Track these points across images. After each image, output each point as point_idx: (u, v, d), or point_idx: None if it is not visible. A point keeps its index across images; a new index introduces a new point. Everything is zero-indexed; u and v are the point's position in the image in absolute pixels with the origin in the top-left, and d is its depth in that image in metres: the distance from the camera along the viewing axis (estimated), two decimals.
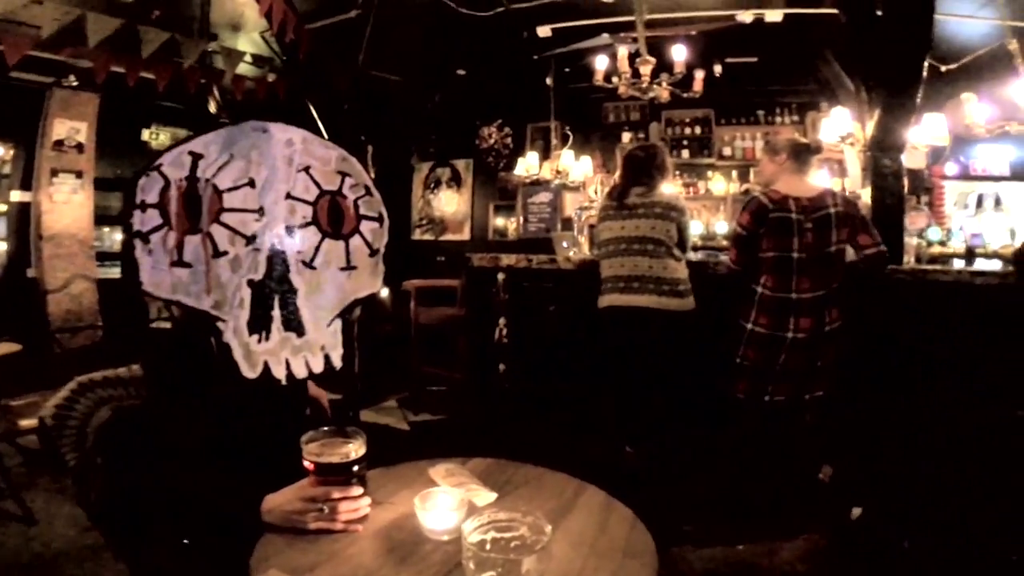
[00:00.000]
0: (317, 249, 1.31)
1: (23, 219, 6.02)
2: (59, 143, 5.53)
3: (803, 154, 2.65)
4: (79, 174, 5.81)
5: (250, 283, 1.23)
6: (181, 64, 4.12)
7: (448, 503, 1.02)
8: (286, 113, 5.44)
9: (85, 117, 5.63)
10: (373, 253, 1.41)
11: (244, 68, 4.69)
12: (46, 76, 5.15)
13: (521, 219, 6.07)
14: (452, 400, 4.23)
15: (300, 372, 1.26)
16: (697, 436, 2.99)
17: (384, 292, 6.00)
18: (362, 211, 1.40)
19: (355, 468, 1.07)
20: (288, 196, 1.29)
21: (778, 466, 2.67)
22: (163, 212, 1.17)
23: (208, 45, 4.22)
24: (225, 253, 1.21)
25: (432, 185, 6.58)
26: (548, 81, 5.40)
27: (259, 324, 1.22)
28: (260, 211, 1.25)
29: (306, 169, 1.33)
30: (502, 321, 3.69)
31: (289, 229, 1.28)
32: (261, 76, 4.57)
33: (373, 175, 4.93)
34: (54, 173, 5.60)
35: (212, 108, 5.20)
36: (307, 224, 1.31)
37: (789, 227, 2.52)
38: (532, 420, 3.48)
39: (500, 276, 3.65)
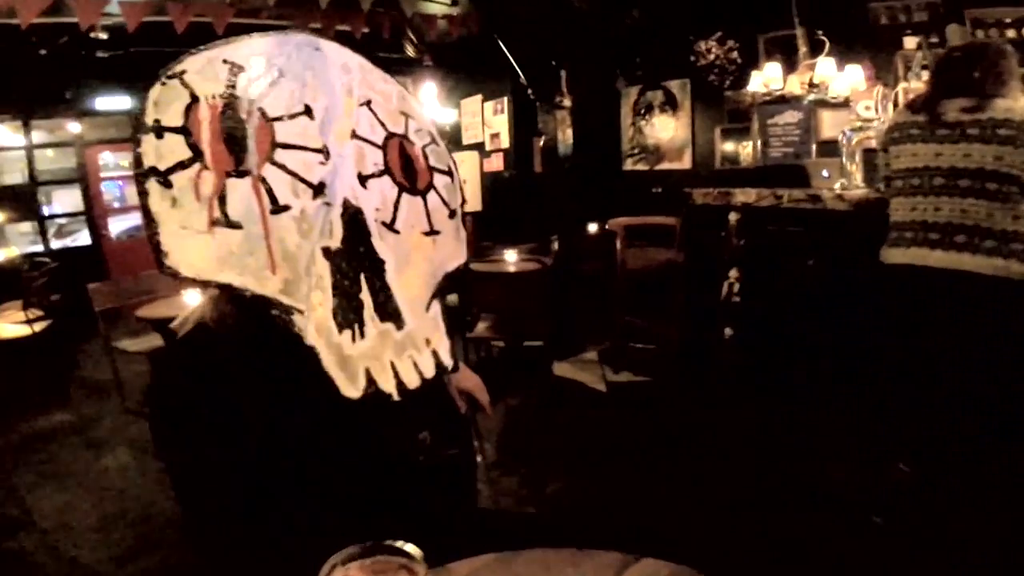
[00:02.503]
0: (396, 206, 0.93)
1: None
2: None
3: None
4: None
5: (327, 253, 0.83)
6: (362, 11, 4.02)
7: None
8: (480, 49, 5.15)
9: None
10: (452, 214, 1.04)
11: (434, 8, 4.49)
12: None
13: (759, 143, 4.93)
14: (660, 362, 3.66)
15: (412, 380, 0.88)
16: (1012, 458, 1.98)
17: (592, 227, 5.57)
18: (432, 163, 1.03)
19: None
20: (355, 135, 0.91)
21: None
22: (190, 141, 0.78)
23: None
24: (287, 207, 0.82)
25: (643, 111, 5.76)
26: None
27: (349, 314, 0.83)
28: (324, 152, 0.86)
29: (368, 103, 0.95)
30: (734, 273, 2.93)
31: (362, 178, 0.89)
32: (449, 14, 4.31)
33: (568, 102, 4.15)
34: None
35: (410, 51, 5.15)
36: (381, 173, 0.93)
37: None
38: (760, 407, 2.75)
39: (733, 216, 2.86)
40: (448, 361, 0.94)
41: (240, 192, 0.79)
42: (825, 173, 3.61)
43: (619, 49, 5.52)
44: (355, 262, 0.85)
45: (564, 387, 3.75)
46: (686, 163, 5.53)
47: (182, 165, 0.77)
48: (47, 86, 5.71)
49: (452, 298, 3.93)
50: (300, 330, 0.79)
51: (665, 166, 5.69)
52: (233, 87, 0.82)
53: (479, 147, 6.52)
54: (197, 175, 0.77)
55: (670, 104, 5.55)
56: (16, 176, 6.41)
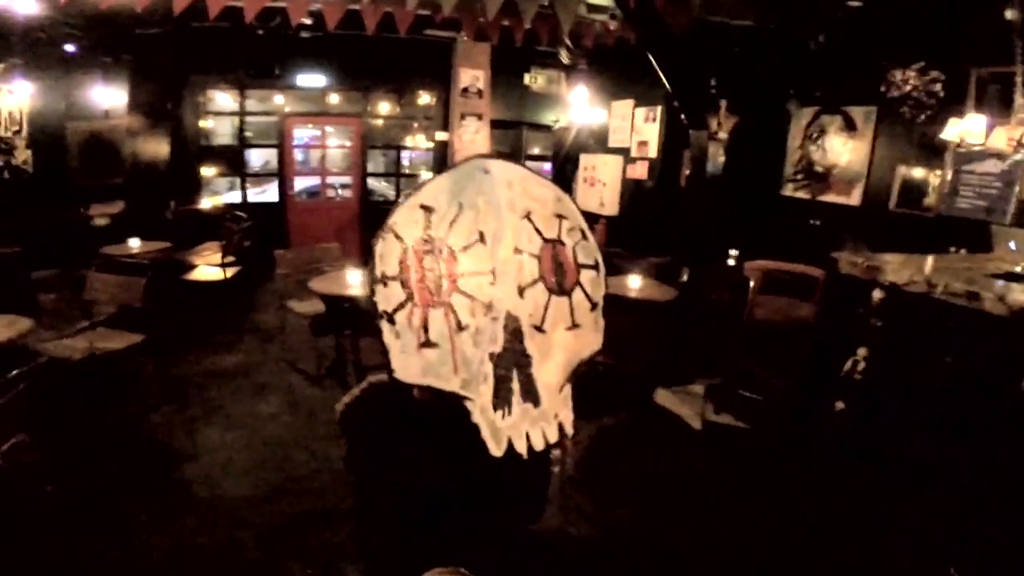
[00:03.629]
0: (546, 309, 1.19)
1: (441, 155, 7.46)
2: (465, 90, 6.49)
3: None
4: (480, 116, 6.77)
5: (491, 356, 1.13)
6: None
7: None
8: (633, 63, 5.04)
9: (482, 66, 6.42)
10: (593, 307, 1.28)
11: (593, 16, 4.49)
12: (449, 31, 5.97)
13: (947, 189, 4.33)
14: (765, 414, 3.49)
15: (538, 444, 1.16)
16: None
17: (733, 254, 5.30)
18: (580, 259, 1.27)
19: None
20: (516, 251, 1.16)
21: None
22: (404, 284, 1.14)
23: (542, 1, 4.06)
24: (467, 327, 1.14)
25: (815, 135, 5.27)
26: (1008, 14, 3.49)
27: (502, 399, 1.14)
28: (493, 273, 1.15)
29: (528, 215, 1.19)
30: (862, 352, 2.71)
31: (520, 290, 1.16)
32: (607, 25, 4.28)
33: (727, 131, 4.05)
34: (462, 116, 6.65)
35: (565, 58, 5.21)
36: (535, 282, 1.18)
37: None
38: (849, 487, 2.62)
39: (877, 294, 2.63)
40: (570, 430, 1.21)
41: (437, 320, 1.13)
42: (1012, 245, 3.13)
43: (796, 69, 5.10)
44: (510, 360, 1.14)
45: (660, 416, 3.74)
46: (854, 199, 5.00)
47: (401, 306, 1.13)
48: (260, 62, 6.65)
49: None
50: (470, 411, 1.13)
51: (830, 198, 5.20)
52: (428, 228, 1.14)
53: (624, 152, 6.45)
54: (410, 312, 1.13)
55: (848, 131, 5.03)
56: (227, 138, 7.62)
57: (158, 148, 6.54)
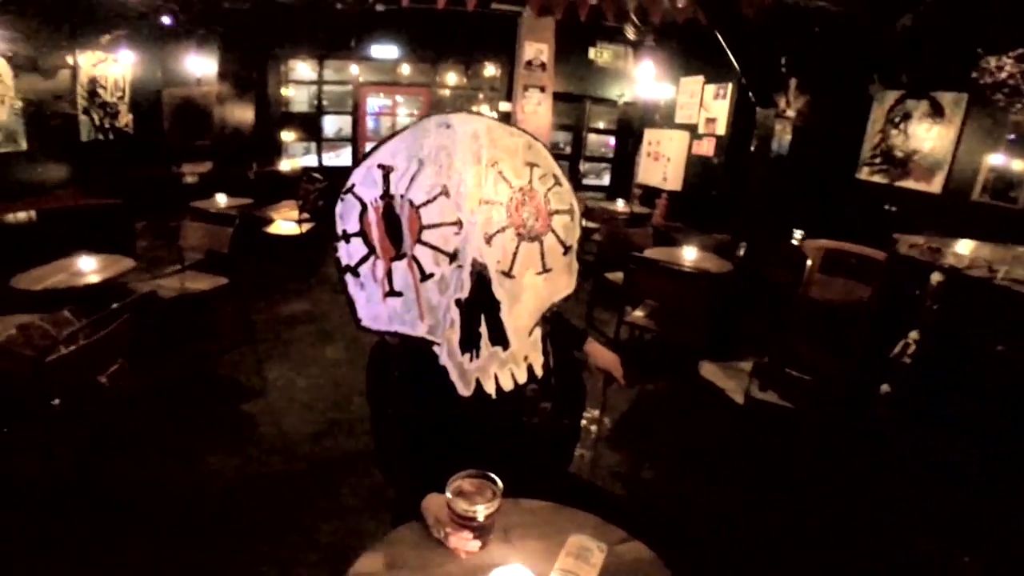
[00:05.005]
0: (515, 255, 1.23)
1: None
2: (529, 63, 6.52)
3: None
4: (543, 89, 6.79)
5: (458, 303, 1.19)
6: None
7: None
8: (702, 40, 4.88)
9: (546, 40, 6.41)
10: (566, 251, 1.30)
11: None
12: (515, 5, 5.98)
13: None
14: (809, 394, 3.43)
15: (507, 385, 1.24)
16: None
17: (797, 235, 5.12)
18: (552, 205, 1.28)
19: (475, 524, 1.05)
20: (482, 201, 1.20)
21: None
22: (366, 240, 1.16)
23: None
24: (432, 275, 1.18)
25: (898, 119, 4.96)
26: None
27: (469, 343, 1.21)
28: (458, 224, 1.18)
29: (494, 164, 1.21)
30: (913, 335, 2.64)
31: (487, 238, 1.20)
32: (672, 2, 4.16)
33: (799, 108, 3.98)
34: (525, 88, 6.69)
35: (631, 34, 5.10)
36: (503, 229, 1.22)
37: None
38: (886, 471, 2.56)
39: (935, 277, 2.54)
40: (539, 371, 1.28)
41: (400, 270, 1.18)
42: None
43: (880, 52, 4.80)
44: (478, 306, 1.20)
45: (704, 388, 3.74)
46: (935, 186, 4.71)
47: (364, 259, 1.17)
48: (337, 34, 6.93)
49: (617, 276, 4.07)
50: (438, 354, 1.21)
51: (908, 183, 4.92)
52: (387, 187, 1.16)
53: (691, 128, 6.31)
54: (373, 265, 1.17)
55: (935, 116, 4.73)
56: (305, 105, 8.01)
57: (243, 114, 6.99)
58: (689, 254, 4.05)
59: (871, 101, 5.13)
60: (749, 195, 4.86)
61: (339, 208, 1.18)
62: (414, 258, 1.17)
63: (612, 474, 2.76)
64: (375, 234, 1.17)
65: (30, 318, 2.30)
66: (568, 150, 8.27)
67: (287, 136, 7.58)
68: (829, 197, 5.28)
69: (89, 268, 3.09)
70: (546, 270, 1.28)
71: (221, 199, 5.40)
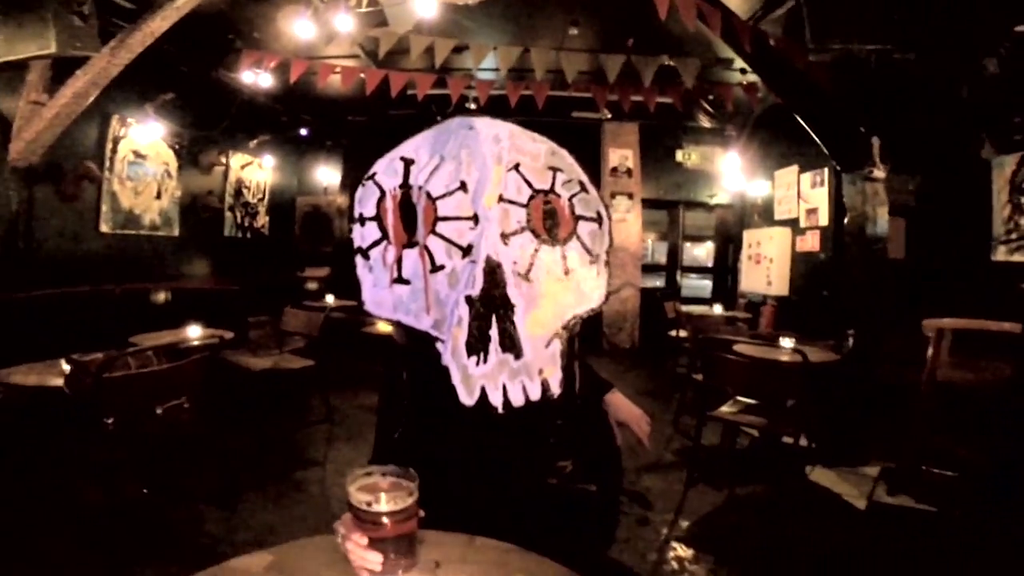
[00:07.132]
0: (533, 258, 1.14)
1: None
2: (614, 169, 6.73)
3: None
4: (630, 196, 6.92)
5: (468, 300, 1.10)
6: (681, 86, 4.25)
7: None
8: (792, 128, 4.77)
9: (630, 145, 6.64)
10: (594, 260, 1.20)
11: (722, 76, 4.42)
12: (595, 112, 6.33)
13: None
14: (958, 493, 2.74)
15: (517, 400, 1.10)
16: None
17: (930, 324, 4.41)
18: (578, 211, 1.20)
19: (380, 527, 0.87)
20: (501, 199, 1.15)
21: None
22: (381, 225, 1.17)
23: (663, 59, 4.10)
24: (442, 267, 1.13)
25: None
26: None
27: (477, 345, 1.10)
28: (474, 218, 1.14)
29: (516, 167, 1.17)
30: None
31: (504, 236, 1.13)
32: (742, 81, 4.17)
33: (884, 172, 3.69)
34: (612, 196, 6.86)
35: (704, 121, 5.11)
36: (522, 230, 1.15)
37: None
38: None
39: None
40: (556, 390, 1.13)
41: (411, 258, 1.16)
42: None
43: (978, 109, 4.39)
44: (489, 305, 1.11)
45: (811, 492, 3.14)
46: None
47: (376, 243, 1.18)
48: None
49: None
50: (440, 352, 1.12)
51: None
52: (407, 178, 1.19)
53: (792, 223, 5.99)
54: (384, 249, 1.17)
55: None
56: None
57: None
58: (786, 343, 3.63)
59: (988, 168, 4.60)
60: (850, 281, 4.38)
61: (359, 193, 1.22)
62: (426, 248, 1.14)
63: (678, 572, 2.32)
64: (390, 220, 1.17)
65: (119, 353, 2.56)
66: (663, 259, 8.14)
67: None
68: (959, 283, 4.61)
69: (194, 334, 3.44)
70: (568, 277, 1.18)
71: (329, 299, 5.90)
